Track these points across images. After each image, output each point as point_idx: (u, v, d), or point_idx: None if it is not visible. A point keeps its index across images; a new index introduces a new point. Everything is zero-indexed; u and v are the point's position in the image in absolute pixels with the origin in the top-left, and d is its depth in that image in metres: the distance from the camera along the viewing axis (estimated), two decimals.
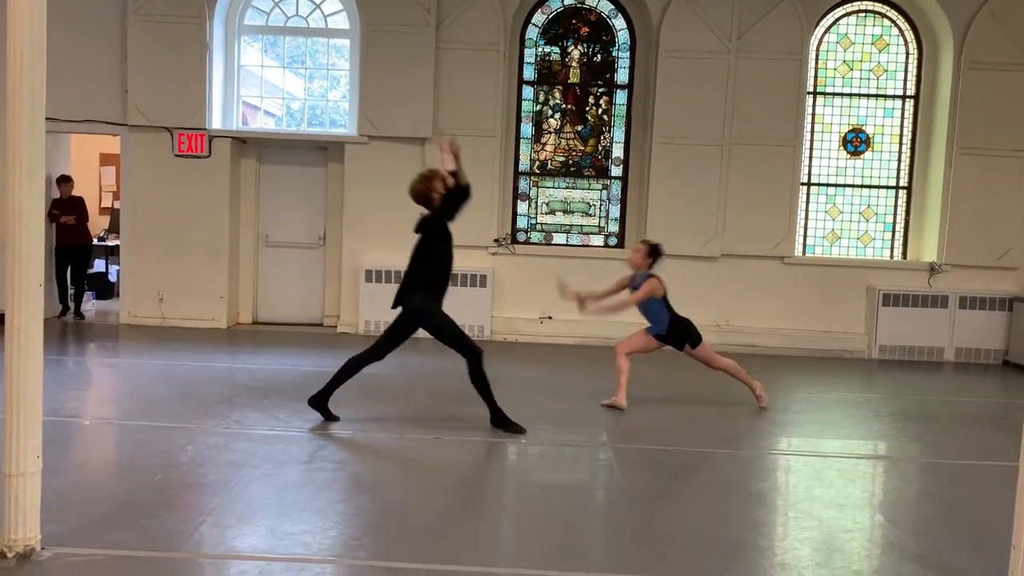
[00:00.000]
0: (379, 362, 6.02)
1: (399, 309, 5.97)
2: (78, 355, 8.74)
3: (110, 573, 3.56)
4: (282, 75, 11.01)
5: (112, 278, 12.60)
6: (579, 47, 10.66)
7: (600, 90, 10.71)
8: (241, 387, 7.16)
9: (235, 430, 5.81)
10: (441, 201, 5.86)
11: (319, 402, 6.01)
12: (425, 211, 5.95)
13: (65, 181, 10.47)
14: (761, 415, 6.95)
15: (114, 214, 13.03)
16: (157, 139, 10.18)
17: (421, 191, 5.94)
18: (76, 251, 10.55)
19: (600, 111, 10.72)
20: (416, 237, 5.96)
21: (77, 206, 10.53)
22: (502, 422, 5.95)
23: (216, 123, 10.31)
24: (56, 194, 10.37)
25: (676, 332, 6.79)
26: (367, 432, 5.88)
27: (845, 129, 10.66)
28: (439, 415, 6.19)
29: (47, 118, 3.67)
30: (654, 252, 6.78)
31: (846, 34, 10.58)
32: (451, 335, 5.90)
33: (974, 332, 10.21)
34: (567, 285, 6.84)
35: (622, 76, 10.66)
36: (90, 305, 11.48)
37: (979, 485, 5.37)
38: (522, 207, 10.74)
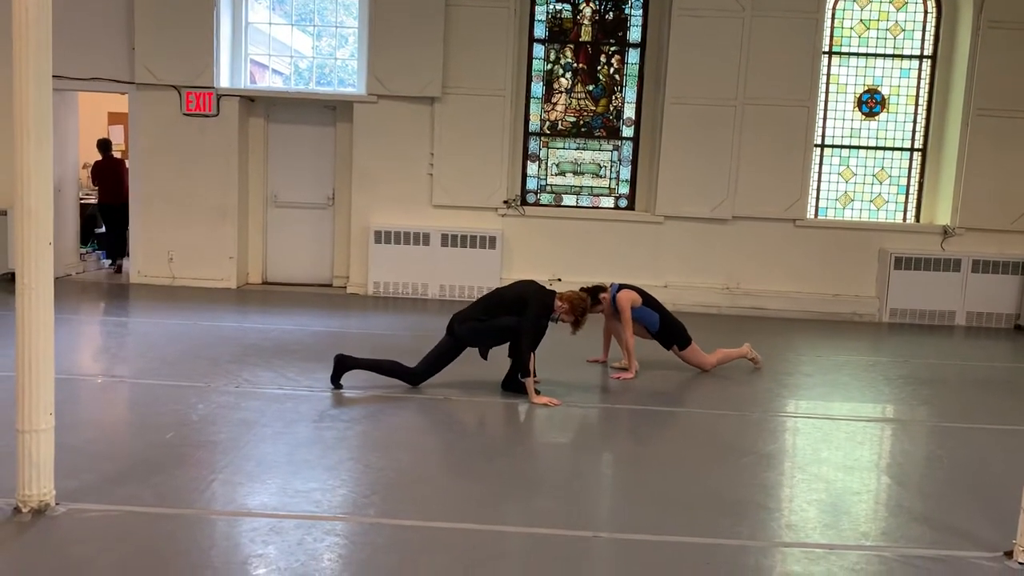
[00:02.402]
0: (411, 385, 6.03)
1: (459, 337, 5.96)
2: (89, 314, 8.78)
3: (123, 528, 3.61)
4: (290, 33, 10.89)
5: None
6: (591, 4, 10.48)
7: (612, 49, 10.56)
8: (251, 346, 7.20)
9: (245, 389, 5.85)
10: (540, 320, 5.82)
11: (341, 366, 5.91)
12: (542, 304, 5.86)
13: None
14: (770, 378, 6.95)
15: None
16: (165, 97, 10.12)
17: (574, 303, 5.98)
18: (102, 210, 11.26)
19: (612, 70, 10.58)
20: (519, 288, 6.02)
21: (98, 168, 11.15)
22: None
23: (224, 82, 10.23)
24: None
25: (664, 332, 6.86)
26: (376, 391, 5.90)
27: (860, 90, 10.50)
28: (448, 374, 6.20)
29: (54, 76, 3.64)
30: (596, 291, 6.65)
31: None
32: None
33: (986, 296, 10.16)
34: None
35: (635, 35, 10.50)
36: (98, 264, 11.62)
37: (988, 448, 5.36)
38: (532, 168, 10.65)
